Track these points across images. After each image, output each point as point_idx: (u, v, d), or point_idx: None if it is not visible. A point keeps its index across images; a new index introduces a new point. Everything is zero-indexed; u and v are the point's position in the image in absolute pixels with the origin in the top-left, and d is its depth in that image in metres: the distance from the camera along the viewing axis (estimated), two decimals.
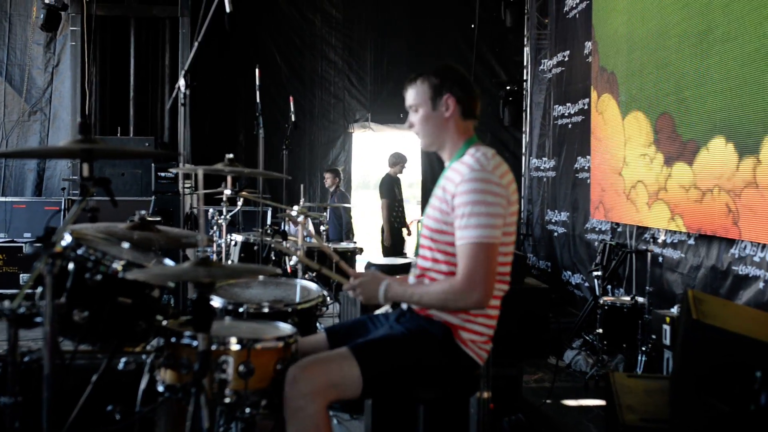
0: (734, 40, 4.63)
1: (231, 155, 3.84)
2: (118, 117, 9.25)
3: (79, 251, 2.16)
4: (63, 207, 7.96)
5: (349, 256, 6.28)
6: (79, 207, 2.02)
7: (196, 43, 4.00)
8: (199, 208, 1.99)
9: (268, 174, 4.02)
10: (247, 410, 2.21)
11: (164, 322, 2.29)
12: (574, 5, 7.82)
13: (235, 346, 2.18)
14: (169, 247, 2.84)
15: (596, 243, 7.04)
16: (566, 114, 8.08)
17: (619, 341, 5.21)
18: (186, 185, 4.50)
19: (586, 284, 7.27)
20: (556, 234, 8.38)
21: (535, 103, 9.37)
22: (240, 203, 4.72)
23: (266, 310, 2.84)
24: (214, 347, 2.14)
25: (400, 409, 3.23)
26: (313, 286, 3.23)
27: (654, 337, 4.87)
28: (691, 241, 5.27)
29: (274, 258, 4.96)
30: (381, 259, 6.71)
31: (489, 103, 9.81)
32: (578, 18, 7.73)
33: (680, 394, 2.87)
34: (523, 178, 9.82)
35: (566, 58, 8.14)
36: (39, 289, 2.08)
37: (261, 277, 3.24)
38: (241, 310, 2.80)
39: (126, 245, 2.53)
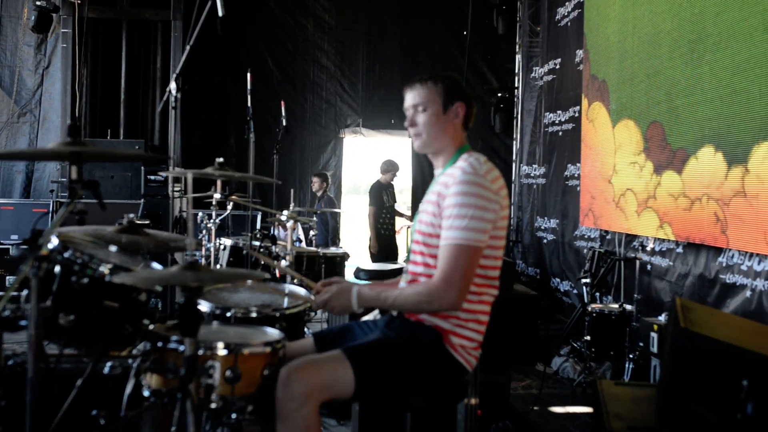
0: (725, 49, 4.66)
1: (221, 159, 3.83)
2: (108, 120, 9.21)
3: (66, 254, 2.14)
4: (51, 209, 7.91)
5: (338, 261, 6.27)
6: (67, 209, 2.01)
7: (187, 47, 3.99)
8: (188, 212, 1.98)
9: (259, 178, 4.01)
10: (234, 416, 2.19)
11: (151, 326, 2.27)
12: (566, 13, 7.86)
13: (222, 351, 2.17)
14: (158, 251, 2.83)
15: (585, 250, 7.06)
16: (557, 121, 8.11)
17: (607, 349, 5.22)
18: (176, 189, 4.47)
19: (575, 291, 7.29)
20: (545, 241, 8.39)
21: (526, 110, 9.40)
22: (230, 207, 4.72)
23: (254, 314, 2.83)
24: (201, 352, 2.13)
25: (388, 415, 3.22)
26: (301, 291, 3.23)
27: (641, 344, 4.88)
28: (680, 250, 5.29)
29: (262, 263, 4.94)
30: (370, 265, 6.70)
31: (480, 109, 9.75)
32: (570, 26, 7.77)
33: (667, 402, 2.88)
34: (513, 185, 9.84)
35: (557, 66, 8.17)
36: (24, 292, 2.06)
37: (249, 282, 3.23)
38: (228, 314, 2.79)
39: (114, 248, 2.52)
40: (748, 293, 4.41)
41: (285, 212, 4.48)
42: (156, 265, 2.57)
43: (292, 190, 6.21)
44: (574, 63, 7.59)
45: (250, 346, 2.21)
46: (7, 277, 7.48)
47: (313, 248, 6.18)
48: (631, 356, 4.97)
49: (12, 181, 9.07)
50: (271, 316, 2.83)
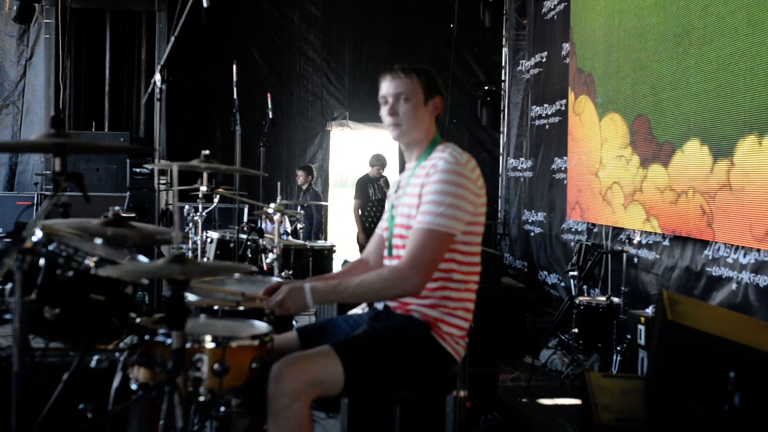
0: (711, 43, 4.68)
1: (207, 152, 3.80)
2: (92, 111, 9.13)
3: (51, 247, 2.11)
4: (35, 202, 7.83)
5: (326, 254, 6.25)
6: (51, 202, 1.98)
7: (172, 38, 3.96)
8: (174, 205, 1.96)
9: (245, 171, 3.98)
10: (222, 409, 2.18)
11: (138, 320, 2.25)
12: (552, 6, 7.86)
13: (210, 344, 2.15)
14: (144, 244, 2.81)
15: (572, 243, 7.08)
16: (543, 115, 8.12)
17: (595, 341, 5.24)
18: (161, 181, 4.45)
19: (563, 284, 7.31)
20: (532, 234, 8.42)
21: (512, 103, 9.40)
22: (216, 200, 4.69)
23: (242, 308, 2.81)
24: (188, 345, 2.11)
25: (377, 407, 3.21)
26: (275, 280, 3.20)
27: (629, 337, 4.90)
28: (666, 242, 5.32)
29: (250, 255, 4.92)
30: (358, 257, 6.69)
31: (467, 102, 9.83)
32: (556, 19, 7.77)
33: (655, 394, 2.89)
34: (500, 178, 9.85)
35: (544, 59, 8.18)
36: (8, 286, 2.03)
37: (236, 275, 3.21)
38: (216, 307, 2.77)
39: (99, 241, 2.49)
40: (734, 286, 4.44)
41: (272, 205, 4.45)
42: (142, 258, 2.55)
43: (279, 183, 6.17)
44: (561, 56, 7.60)
45: (238, 339, 2.19)
46: None
47: (300, 241, 6.16)
48: (618, 348, 5.00)
49: None
50: (260, 309, 2.81)
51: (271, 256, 4.15)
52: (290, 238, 7.10)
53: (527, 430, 4.27)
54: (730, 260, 4.52)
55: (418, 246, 2.29)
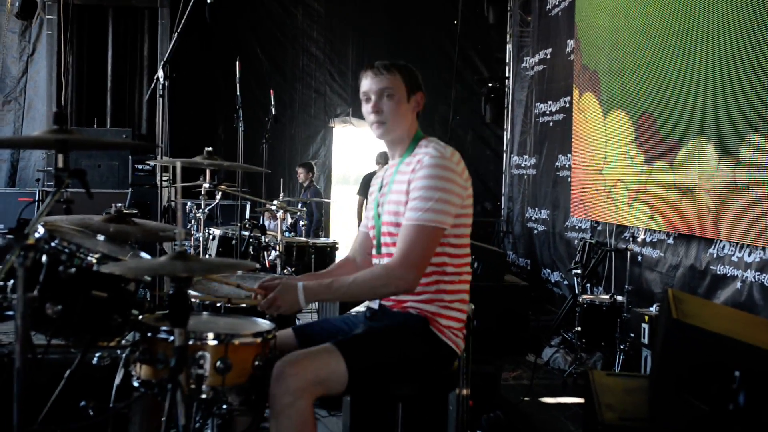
0: (716, 40, 4.65)
1: (210, 148, 3.78)
2: (94, 108, 9.11)
3: (53, 243, 2.10)
4: (37, 198, 7.82)
5: (328, 251, 6.24)
6: (53, 198, 1.97)
7: (175, 34, 3.94)
8: (177, 201, 1.95)
9: (248, 167, 3.96)
10: (224, 406, 2.17)
11: (140, 317, 2.24)
12: (557, 3, 7.83)
13: (212, 342, 2.14)
14: (146, 241, 2.79)
15: (576, 241, 7.06)
16: (548, 112, 8.09)
17: (598, 339, 5.22)
18: (164, 178, 4.43)
19: (566, 282, 7.29)
20: (536, 232, 8.39)
21: (516, 100, 9.38)
22: (218, 197, 4.68)
23: (244, 305, 2.80)
24: (190, 342, 2.09)
25: (379, 405, 3.20)
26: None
27: (632, 335, 4.88)
28: (671, 241, 5.30)
29: (252, 252, 4.91)
30: None
31: (471, 99, 9.81)
32: (561, 16, 7.74)
33: (660, 393, 2.88)
34: (503, 176, 9.83)
35: (548, 56, 8.15)
36: (10, 282, 2.02)
37: (239, 272, 3.19)
38: (218, 305, 2.76)
39: (101, 238, 2.48)
40: (738, 284, 4.42)
41: (275, 202, 4.44)
42: (144, 255, 2.54)
43: (281, 180, 6.15)
44: (565, 53, 7.57)
45: (240, 336, 2.18)
46: None
47: (302, 238, 6.15)
48: (622, 347, 4.98)
49: None
50: None
51: (273, 253, 4.14)
52: (292, 234, 7.08)
53: (530, 429, 4.25)
54: (735, 259, 4.49)
55: (408, 242, 2.29)
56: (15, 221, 1.88)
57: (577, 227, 7.16)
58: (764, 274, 4.19)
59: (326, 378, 2.21)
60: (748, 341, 2.75)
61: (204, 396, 2.12)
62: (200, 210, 4.86)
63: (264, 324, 2.39)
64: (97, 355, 2.41)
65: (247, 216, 7.95)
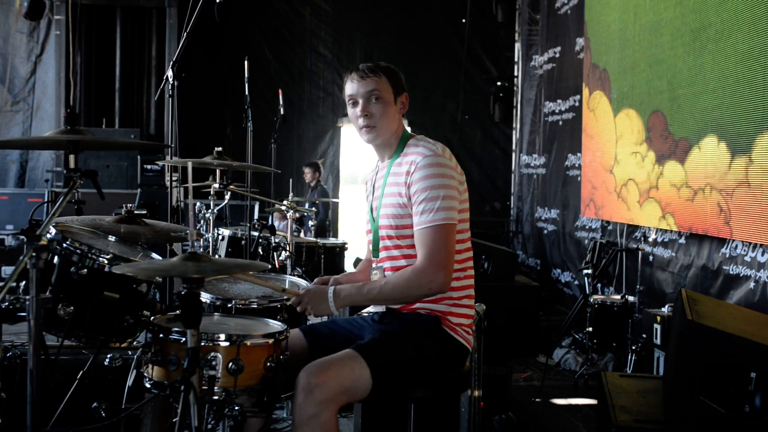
0: (728, 38, 4.61)
1: (220, 148, 3.78)
2: (103, 108, 9.12)
3: (65, 244, 2.09)
4: (46, 199, 7.84)
5: (337, 252, 6.23)
6: (65, 199, 1.96)
7: (185, 34, 3.92)
8: (189, 202, 1.93)
9: (258, 168, 3.95)
10: (236, 408, 2.15)
11: (151, 318, 2.23)
12: (566, 1, 7.79)
13: (224, 343, 2.12)
14: (156, 241, 2.79)
15: (586, 241, 7.02)
16: (557, 111, 8.06)
17: (609, 340, 5.19)
18: (174, 178, 4.42)
19: (576, 282, 7.26)
20: (545, 231, 8.36)
21: (525, 99, 9.34)
22: (227, 197, 4.66)
23: (255, 305, 2.79)
24: (203, 343, 2.08)
25: (391, 407, 3.19)
26: (302, 282, 3.19)
27: (644, 336, 4.85)
28: (682, 240, 5.26)
29: (261, 253, 4.89)
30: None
31: (479, 98, 9.78)
32: (570, 14, 7.71)
33: (675, 395, 2.85)
34: (513, 175, 9.80)
35: (557, 55, 8.11)
36: (22, 283, 2.01)
37: (250, 273, 3.18)
38: (229, 305, 2.75)
39: (112, 239, 2.47)
40: (751, 284, 4.38)
41: (285, 202, 4.43)
42: (155, 256, 2.53)
43: (290, 180, 6.13)
44: (575, 51, 7.53)
45: (252, 337, 2.17)
46: (2, 268, 7.41)
47: (312, 238, 6.14)
48: (633, 348, 4.95)
49: (6, 170, 8.98)
50: (273, 307, 2.80)
51: (284, 253, 4.12)
52: (301, 235, 7.07)
53: (542, 431, 4.23)
54: (747, 258, 4.45)
55: (430, 244, 2.29)
56: (25, 222, 1.87)
57: (587, 227, 7.12)
58: None
59: (351, 386, 2.20)
60: (764, 342, 2.72)
61: (216, 397, 2.11)
62: (209, 210, 4.84)
63: (275, 325, 2.38)
64: (108, 356, 2.40)
65: (256, 216, 7.95)
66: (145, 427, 2.39)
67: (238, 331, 2.23)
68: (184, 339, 2.04)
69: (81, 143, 2.03)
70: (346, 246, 6.41)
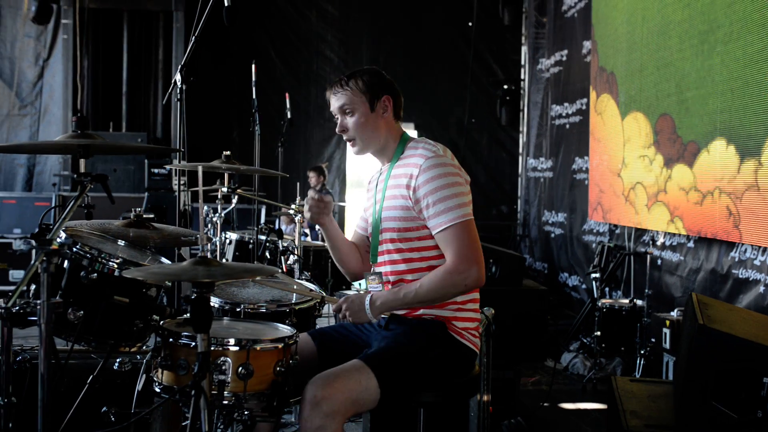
0: (737, 40, 4.59)
1: (228, 152, 3.77)
2: (110, 112, 9.15)
3: (75, 249, 2.09)
4: (54, 203, 7.85)
5: None
6: (76, 203, 1.96)
7: (193, 38, 3.92)
8: (200, 206, 1.93)
9: (266, 171, 3.95)
10: (246, 413, 2.14)
11: (161, 322, 2.22)
12: (573, 4, 7.78)
13: (233, 347, 2.12)
14: (165, 246, 2.78)
15: (594, 245, 7.00)
16: (564, 114, 8.04)
17: (618, 344, 5.17)
18: (181, 182, 4.41)
19: (584, 286, 7.23)
20: (553, 235, 8.34)
21: (532, 102, 9.32)
22: (234, 201, 4.65)
23: (264, 310, 2.79)
24: (212, 348, 2.07)
25: (400, 412, 3.17)
26: (310, 286, 3.18)
27: (653, 340, 4.83)
28: (691, 244, 5.24)
29: (269, 257, 4.89)
30: None
31: (486, 102, 9.77)
32: (577, 17, 7.69)
33: (686, 400, 2.83)
34: (520, 179, 9.78)
35: (564, 58, 8.10)
36: (32, 287, 2.01)
37: (258, 277, 3.18)
38: (238, 309, 2.74)
39: (121, 243, 2.47)
40: (761, 288, 4.35)
41: (293, 206, 4.43)
42: (165, 260, 2.52)
43: (297, 184, 6.12)
44: (581, 54, 7.52)
45: (262, 342, 2.16)
46: (11, 271, 7.42)
47: (319, 242, 6.12)
48: (642, 352, 4.92)
49: (14, 174, 9.01)
50: (281, 312, 2.79)
51: (291, 257, 4.12)
52: (308, 239, 7.06)
53: None
54: (757, 262, 4.43)
55: (456, 242, 2.28)
56: (33, 226, 1.87)
57: (594, 230, 7.10)
58: None
59: (358, 398, 2.18)
60: None
61: (226, 402, 2.10)
62: (216, 214, 4.84)
63: (284, 329, 2.37)
64: (118, 360, 2.40)
65: (263, 220, 7.95)
66: (154, 431, 2.38)
67: (247, 335, 2.23)
68: (194, 343, 2.04)
69: (91, 147, 2.03)
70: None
